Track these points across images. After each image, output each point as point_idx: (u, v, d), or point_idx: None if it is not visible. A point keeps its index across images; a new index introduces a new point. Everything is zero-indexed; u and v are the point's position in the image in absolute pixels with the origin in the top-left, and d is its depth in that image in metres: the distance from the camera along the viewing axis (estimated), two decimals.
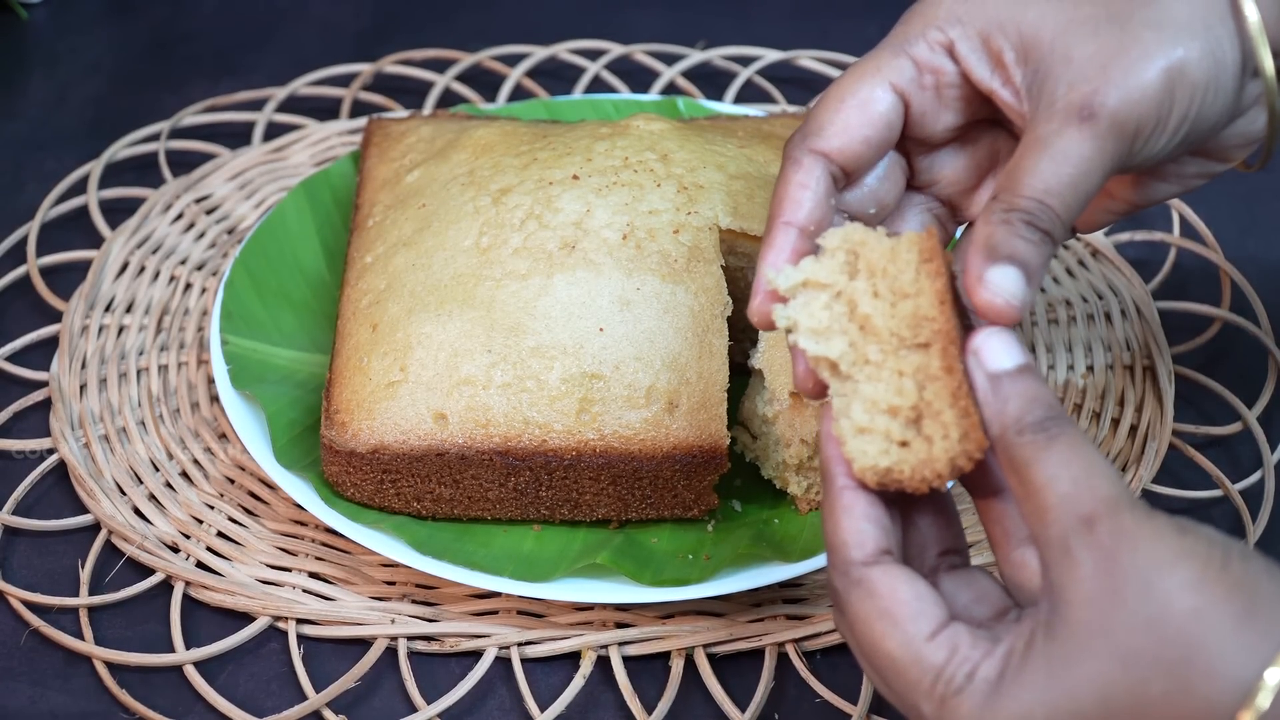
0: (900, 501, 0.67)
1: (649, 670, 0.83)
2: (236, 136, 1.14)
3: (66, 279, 1.04)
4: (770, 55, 1.20)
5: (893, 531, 0.66)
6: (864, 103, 0.71)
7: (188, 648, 0.84)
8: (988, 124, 0.75)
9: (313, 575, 0.87)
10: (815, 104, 0.72)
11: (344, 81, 1.18)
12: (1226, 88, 0.69)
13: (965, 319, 0.67)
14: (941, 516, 0.68)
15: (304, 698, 0.82)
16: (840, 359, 0.66)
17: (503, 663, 0.84)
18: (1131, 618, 0.56)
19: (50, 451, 0.93)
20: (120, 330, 1.00)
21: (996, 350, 0.63)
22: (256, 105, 1.16)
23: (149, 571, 0.87)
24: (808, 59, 1.19)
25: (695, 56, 1.20)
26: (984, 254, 0.65)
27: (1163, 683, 0.56)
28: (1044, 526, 0.59)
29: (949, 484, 0.67)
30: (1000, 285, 0.64)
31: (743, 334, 0.92)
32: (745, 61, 1.20)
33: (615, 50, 1.20)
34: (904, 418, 0.65)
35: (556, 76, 1.20)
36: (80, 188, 1.10)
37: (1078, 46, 0.68)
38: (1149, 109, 0.67)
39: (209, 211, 1.07)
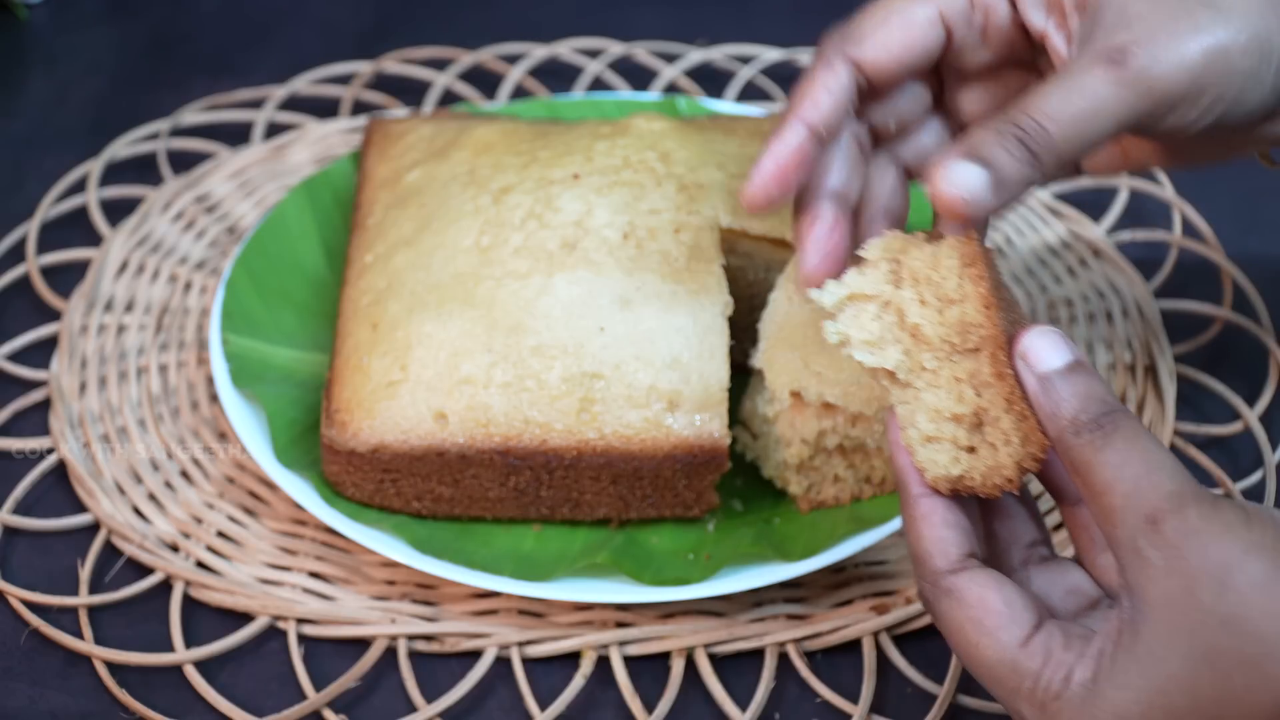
0: (980, 500, 0.68)
1: (649, 670, 0.83)
2: (236, 135, 1.14)
3: (66, 278, 1.04)
4: (771, 54, 1.20)
5: (974, 531, 0.66)
6: (909, 24, 0.70)
7: (187, 647, 0.84)
8: (1021, 66, 0.74)
9: (313, 575, 0.87)
10: (862, 10, 0.71)
11: (344, 80, 1.18)
12: (1266, 81, 0.69)
13: (1014, 313, 0.67)
14: (1023, 510, 0.69)
15: (304, 697, 0.82)
16: (897, 368, 0.67)
17: (503, 663, 0.84)
18: (1209, 617, 0.57)
19: (50, 451, 0.93)
20: (120, 330, 0.99)
21: (1044, 350, 0.63)
22: (256, 104, 1.16)
23: (149, 571, 0.87)
24: (809, 57, 1.19)
25: (696, 55, 1.20)
26: (960, 149, 0.64)
27: (1244, 676, 0.57)
28: (1112, 528, 0.60)
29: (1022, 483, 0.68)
30: (959, 178, 0.63)
31: (743, 334, 0.92)
32: (746, 60, 1.20)
33: (616, 49, 1.20)
34: (968, 424, 0.65)
35: (557, 75, 1.20)
36: (80, 187, 1.10)
37: (1134, 4, 0.67)
38: (1182, 83, 0.66)
39: (209, 210, 1.07)
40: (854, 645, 0.84)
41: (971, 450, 0.65)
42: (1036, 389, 0.63)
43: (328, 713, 0.81)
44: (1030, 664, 0.62)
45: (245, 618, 0.85)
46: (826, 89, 0.69)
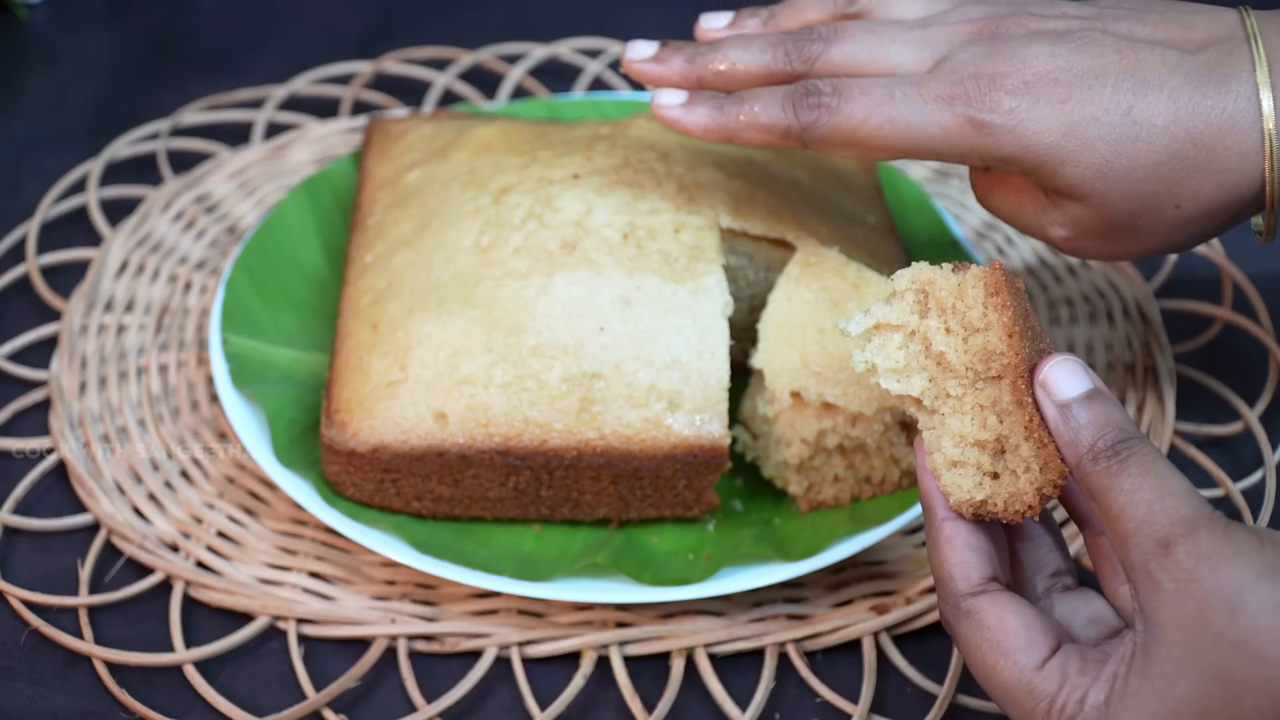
0: (1006, 526, 0.68)
1: (649, 670, 0.83)
2: (236, 135, 1.14)
3: (66, 278, 1.04)
4: None
5: (997, 557, 0.67)
6: None
7: (187, 647, 0.84)
8: None
9: (313, 575, 0.87)
10: None
11: (344, 80, 1.18)
12: None
13: (1041, 342, 0.68)
14: (1048, 538, 0.70)
15: (304, 697, 0.82)
16: (923, 395, 0.68)
17: (503, 663, 0.84)
18: (1219, 639, 0.58)
19: (50, 451, 0.93)
20: (120, 330, 0.99)
21: (1063, 379, 0.64)
22: (256, 104, 1.16)
23: (149, 571, 0.87)
24: None
25: None
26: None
27: (1254, 699, 0.57)
28: (1126, 552, 0.61)
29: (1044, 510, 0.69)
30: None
31: (743, 334, 0.92)
32: None
33: (616, 49, 1.20)
34: (991, 450, 0.66)
35: (557, 75, 1.20)
36: (80, 187, 1.10)
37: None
38: None
39: (209, 210, 1.07)
40: (854, 645, 0.84)
41: (995, 476, 0.66)
42: (1055, 417, 0.64)
43: (328, 713, 0.81)
44: (1046, 686, 0.62)
45: (245, 618, 0.85)
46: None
